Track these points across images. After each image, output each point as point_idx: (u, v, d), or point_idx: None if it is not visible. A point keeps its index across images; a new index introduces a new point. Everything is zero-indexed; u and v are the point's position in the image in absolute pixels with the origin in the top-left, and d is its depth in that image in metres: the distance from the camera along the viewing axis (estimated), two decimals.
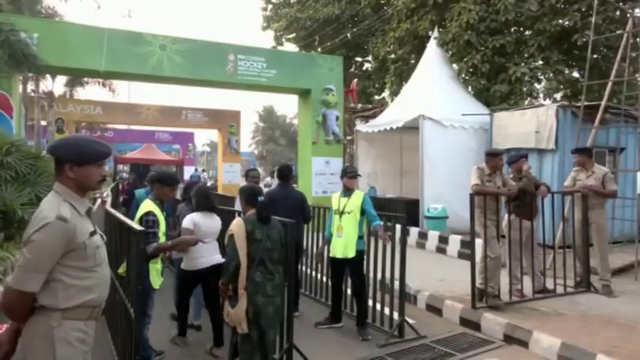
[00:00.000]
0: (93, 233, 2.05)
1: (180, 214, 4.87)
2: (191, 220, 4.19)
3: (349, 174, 4.95)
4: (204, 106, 23.38)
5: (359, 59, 23.26)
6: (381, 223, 4.85)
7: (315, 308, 5.62)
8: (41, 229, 1.87)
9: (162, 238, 3.95)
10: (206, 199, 4.38)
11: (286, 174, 5.62)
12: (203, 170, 34.47)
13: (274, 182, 13.00)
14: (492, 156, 5.59)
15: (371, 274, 5.01)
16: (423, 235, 9.29)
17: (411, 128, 10.19)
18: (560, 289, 5.69)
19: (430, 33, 12.88)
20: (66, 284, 1.93)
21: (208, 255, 4.21)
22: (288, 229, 3.66)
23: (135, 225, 3.53)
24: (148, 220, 3.75)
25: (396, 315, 4.80)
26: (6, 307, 1.91)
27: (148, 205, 3.89)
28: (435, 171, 9.55)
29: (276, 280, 3.34)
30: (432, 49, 12.14)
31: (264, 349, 3.25)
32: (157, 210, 3.88)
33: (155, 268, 3.88)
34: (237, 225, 3.35)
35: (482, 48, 12.10)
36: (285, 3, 24.59)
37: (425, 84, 11.33)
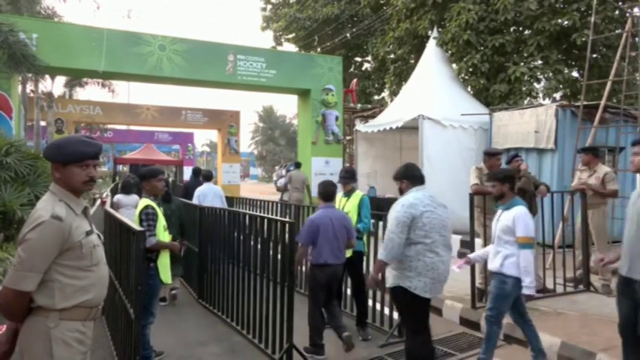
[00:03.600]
0: (89, 232, 2.04)
1: None
2: None
3: (340, 179, 4.99)
4: (203, 107, 23.38)
5: (358, 59, 23.27)
6: (366, 227, 4.78)
7: None
8: (36, 227, 1.87)
9: (164, 233, 3.96)
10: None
11: (197, 173, 8.99)
12: None
13: (283, 180, 13.34)
14: (490, 156, 5.62)
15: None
16: None
17: (411, 128, 10.18)
18: (559, 289, 5.69)
19: (429, 33, 12.86)
20: (62, 284, 1.92)
21: None
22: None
23: (134, 225, 3.53)
24: (148, 212, 3.88)
25: (396, 315, 4.79)
26: (2, 307, 1.91)
27: (145, 201, 4.00)
28: (435, 171, 9.52)
29: (171, 232, 4.63)
30: (432, 48, 12.14)
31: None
32: (154, 204, 3.98)
33: (162, 263, 3.90)
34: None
35: (482, 47, 12.09)
36: (284, 3, 24.61)
37: (424, 84, 11.33)
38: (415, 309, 3.38)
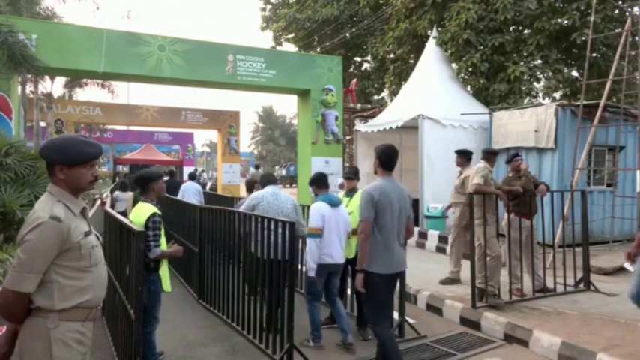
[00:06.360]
0: (88, 233, 2.04)
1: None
2: None
3: (344, 176, 5.15)
4: (203, 107, 23.33)
5: (358, 59, 23.25)
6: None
7: None
8: (35, 228, 1.87)
9: (163, 240, 3.89)
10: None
11: (171, 174, 11.59)
12: (202, 171, 34.44)
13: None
14: (493, 155, 5.71)
15: None
16: (422, 235, 9.29)
17: (411, 128, 10.19)
18: (560, 288, 5.69)
19: (429, 32, 12.87)
20: (61, 285, 1.92)
21: None
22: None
23: (134, 226, 3.52)
24: (155, 221, 3.66)
25: (396, 315, 4.79)
26: (2, 308, 1.91)
27: (149, 208, 3.75)
28: (435, 170, 9.54)
29: None
30: (431, 48, 12.14)
31: None
32: (159, 212, 3.78)
33: (164, 270, 3.80)
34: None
35: (481, 47, 12.08)
36: (284, 3, 24.59)
37: (424, 83, 11.33)
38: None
